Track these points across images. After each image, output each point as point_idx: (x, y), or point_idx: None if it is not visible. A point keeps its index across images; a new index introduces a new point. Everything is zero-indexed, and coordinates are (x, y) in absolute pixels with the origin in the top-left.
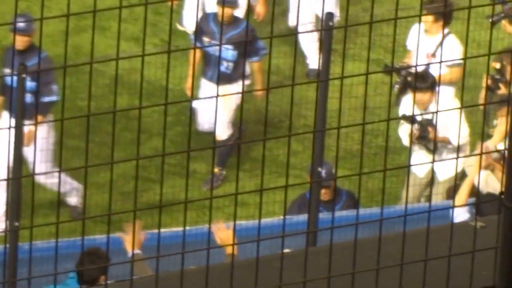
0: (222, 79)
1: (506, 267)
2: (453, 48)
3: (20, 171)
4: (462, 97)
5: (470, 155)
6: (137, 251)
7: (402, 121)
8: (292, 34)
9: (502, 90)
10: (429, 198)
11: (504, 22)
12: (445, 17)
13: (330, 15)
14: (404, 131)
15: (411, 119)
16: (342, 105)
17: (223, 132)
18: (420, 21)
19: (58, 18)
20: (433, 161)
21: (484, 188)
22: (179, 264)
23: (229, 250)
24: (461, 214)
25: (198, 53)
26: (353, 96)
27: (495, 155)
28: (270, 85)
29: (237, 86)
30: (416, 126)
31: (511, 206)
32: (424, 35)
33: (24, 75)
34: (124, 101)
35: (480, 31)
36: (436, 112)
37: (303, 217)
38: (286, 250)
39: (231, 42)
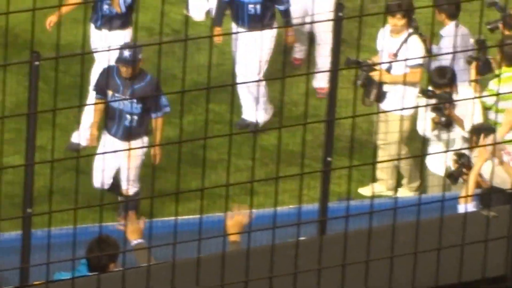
0: (126, 134)
1: None
2: (415, 48)
3: (33, 157)
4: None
5: (474, 146)
6: (139, 240)
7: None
8: (231, 33)
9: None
10: (442, 189)
11: (500, 27)
12: (408, 16)
13: (340, 6)
14: (421, 122)
15: (434, 106)
16: (351, 95)
17: (130, 188)
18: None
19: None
20: (447, 150)
21: (492, 179)
22: (186, 252)
23: (232, 237)
24: (468, 207)
25: (101, 106)
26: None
27: (502, 146)
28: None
29: (140, 142)
30: (434, 113)
31: None
32: (389, 37)
33: None
34: None
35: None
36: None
37: (311, 206)
38: (299, 239)
39: (135, 95)
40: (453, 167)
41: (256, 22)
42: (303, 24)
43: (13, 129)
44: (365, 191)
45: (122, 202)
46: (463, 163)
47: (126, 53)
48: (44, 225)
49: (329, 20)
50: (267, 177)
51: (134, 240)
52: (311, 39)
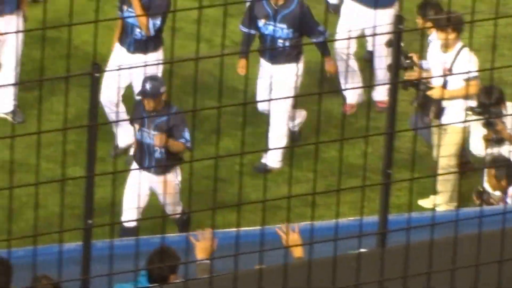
0: (159, 167)
1: None
2: (470, 61)
3: (93, 169)
4: None
5: (487, 166)
6: (205, 260)
7: (472, 129)
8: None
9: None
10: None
11: None
12: (458, 29)
13: (399, 18)
14: (475, 139)
15: (486, 121)
16: (411, 108)
17: (174, 211)
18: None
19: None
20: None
21: None
22: (246, 264)
23: (296, 254)
24: None
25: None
26: None
27: None
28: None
29: (174, 174)
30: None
31: None
32: (440, 52)
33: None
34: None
35: None
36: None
37: (370, 218)
38: (360, 250)
39: (159, 128)
40: (475, 203)
41: (282, 58)
42: (363, 37)
43: (73, 140)
44: (425, 203)
45: (184, 214)
46: (485, 200)
47: (148, 85)
48: (104, 236)
49: (389, 33)
50: (327, 189)
51: (202, 258)
52: (370, 54)
